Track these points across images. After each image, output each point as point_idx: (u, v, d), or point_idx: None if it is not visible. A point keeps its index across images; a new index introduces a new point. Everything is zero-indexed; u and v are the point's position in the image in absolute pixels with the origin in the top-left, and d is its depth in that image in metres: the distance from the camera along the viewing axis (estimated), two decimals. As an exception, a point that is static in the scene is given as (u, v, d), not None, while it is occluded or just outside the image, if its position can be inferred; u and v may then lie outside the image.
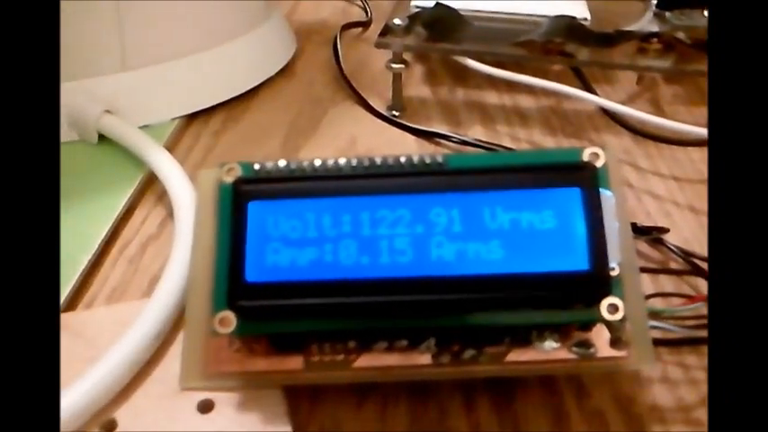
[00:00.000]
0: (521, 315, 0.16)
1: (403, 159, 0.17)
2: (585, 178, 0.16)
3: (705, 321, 0.19)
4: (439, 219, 0.16)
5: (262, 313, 0.15)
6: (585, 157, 0.16)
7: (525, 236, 0.15)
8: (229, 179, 0.16)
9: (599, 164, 0.16)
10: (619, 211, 0.16)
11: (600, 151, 0.16)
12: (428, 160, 0.17)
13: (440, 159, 0.17)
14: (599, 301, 0.15)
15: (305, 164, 0.17)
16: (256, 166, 0.17)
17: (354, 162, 0.17)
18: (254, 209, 0.16)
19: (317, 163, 0.17)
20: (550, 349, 0.16)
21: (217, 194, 0.16)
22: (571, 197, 0.16)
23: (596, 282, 0.15)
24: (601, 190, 0.16)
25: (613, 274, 0.16)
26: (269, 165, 0.17)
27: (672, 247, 0.22)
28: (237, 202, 0.16)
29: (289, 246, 0.16)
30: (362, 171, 0.16)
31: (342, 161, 0.17)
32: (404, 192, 0.16)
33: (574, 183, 0.16)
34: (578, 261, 0.15)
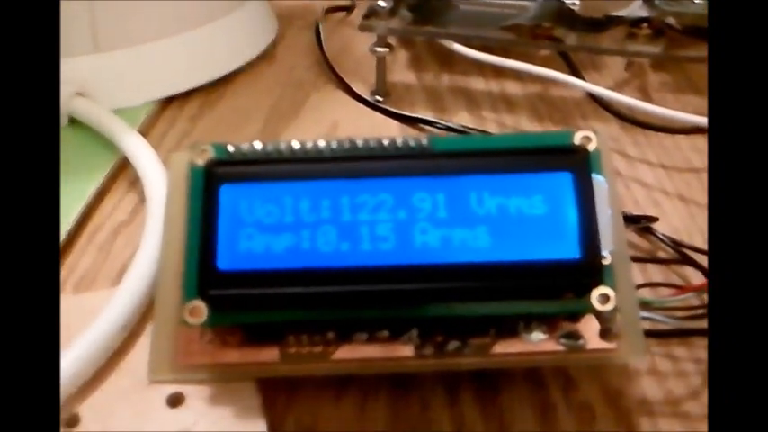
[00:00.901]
0: (508, 305, 0.15)
1: (386, 142, 0.16)
2: (577, 162, 0.15)
3: (695, 312, 0.19)
4: (423, 204, 0.15)
5: (234, 303, 0.15)
6: (577, 140, 0.16)
7: (513, 222, 0.15)
8: (201, 161, 0.16)
9: (591, 148, 0.16)
10: (610, 198, 0.16)
11: (592, 135, 0.16)
12: (412, 143, 0.16)
13: (424, 142, 0.16)
14: (590, 291, 0.15)
15: (282, 146, 0.16)
16: (230, 148, 0.16)
17: (335, 144, 0.16)
18: (227, 192, 0.15)
19: (296, 145, 0.16)
20: (538, 341, 0.16)
21: (188, 178, 0.16)
22: (562, 182, 0.15)
23: (587, 270, 0.15)
24: (593, 175, 0.15)
25: (605, 262, 0.15)
26: (244, 147, 0.16)
27: (661, 237, 0.22)
28: (209, 185, 0.15)
29: (263, 232, 0.15)
30: (343, 154, 0.16)
31: (321, 143, 0.16)
32: (386, 175, 0.15)
33: (565, 167, 0.15)
34: (569, 249, 0.15)
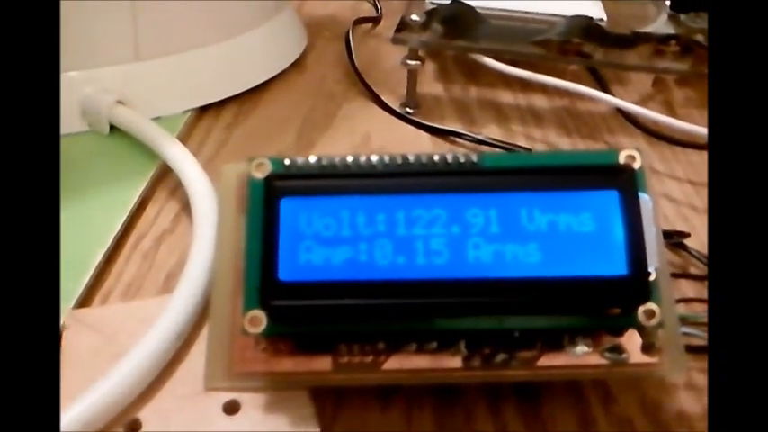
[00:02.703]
0: (556, 319, 0.15)
1: (436, 158, 0.16)
2: (624, 181, 0.16)
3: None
4: (476, 219, 0.15)
5: (294, 313, 0.15)
6: (622, 159, 0.16)
7: (563, 238, 0.15)
8: (260, 175, 0.16)
9: (636, 166, 0.16)
10: (654, 216, 0.16)
11: (636, 154, 0.16)
12: (462, 159, 0.16)
13: (474, 159, 0.16)
14: (637, 307, 0.15)
15: (336, 160, 0.16)
16: (287, 162, 0.16)
17: (387, 159, 0.16)
18: (287, 206, 0.15)
19: (349, 159, 0.16)
20: (582, 354, 0.16)
21: (246, 190, 0.16)
22: (609, 200, 0.15)
23: (635, 287, 0.15)
24: (639, 193, 0.16)
25: (651, 279, 0.15)
26: (299, 160, 0.16)
27: (693, 252, 0.22)
28: (269, 198, 0.15)
29: (322, 244, 0.15)
30: (395, 169, 0.16)
31: (374, 158, 0.16)
32: (439, 191, 0.16)
33: (612, 185, 0.15)
34: (617, 266, 0.15)
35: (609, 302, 0.15)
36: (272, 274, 0.15)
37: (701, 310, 0.20)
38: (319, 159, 0.16)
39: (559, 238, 0.15)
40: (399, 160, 0.16)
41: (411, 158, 0.16)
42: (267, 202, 0.15)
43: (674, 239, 0.23)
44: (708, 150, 0.15)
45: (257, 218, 0.15)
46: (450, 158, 0.16)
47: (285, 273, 0.15)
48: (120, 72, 0.27)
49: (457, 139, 0.28)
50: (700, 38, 0.28)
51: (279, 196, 0.15)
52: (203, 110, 0.29)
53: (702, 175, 0.27)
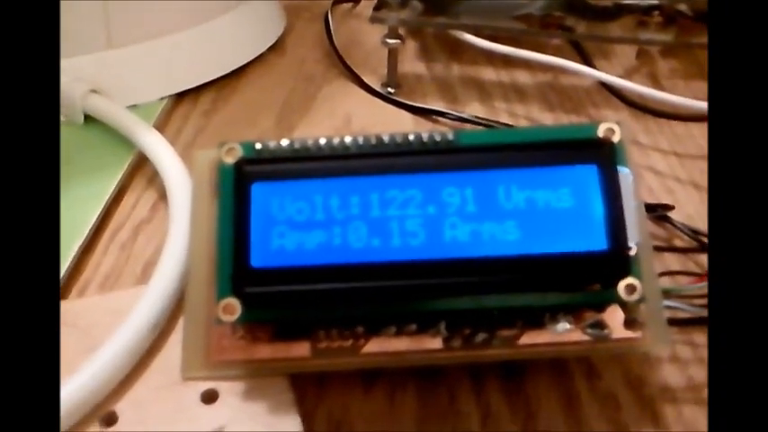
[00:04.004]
0: (536, 297, 0.15)
1: (411, 137, 0.16)
2: (603, 155, 0.15)
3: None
4: (452, 198, 0.15)
5: (268, 300, 0.15)
6: (601, 132, 0.16)
7: (541, 215, 0.15)
8: (230, 160, 0.16)
9: (615, 140, 0.16)
10: (634, 190, 0.16)
11: (615, 127, 0.16)
12: (437, 137, 0.16)
13: (450, 136, 0.16)
14: (617, 282, 0.15)
15: (309, 143, 0.16)
16: (258, 146, 0.16)
17: (361, 140, 0.16)
18: (258, 191, 0.15)
19: (322, 141, 0.16)
20: (563, 331, 0.16)
21: (217, 176, 0.16)
22: (588, 175, 0.15)
23: (615, 262, 0.15)
24: (618, 167, 0.15)
25: (631, 254, 0.15)
26: (271, 144, 0.16)
27: (678, 225, 0.22)
28: (240, 183, 0.15)
29: (295, 229, 0.15)
30: (370, 150, 0.16)
31: (348, 139, 0.16)
32: (414, 171, 0.15)
33: (591, 160, 0.15)
34: (596, 241, 0.15)
35: (589, 278, 0.15)
36: (245, 260, 0.15)
37: (686, 283, 0.20)
38: (292, 142, 0.16)
39: (538, 215, 0.15)
40: (374, 141, 0.16)
41: (386, 139, 0.16)
42: (238, 187, 0.15)
43: (658, 212, 0.22)
44: (708, 124, 0.15)
45: (228, 204, 0.15)
46: (425, 137, 0.16)
47: (258, 259, 0.15)
48: (93, 60, 0.26)
49: (439, 118, 0.28)
50: (683, 8, 0.28)
51: (250, 181, 0.15)
52: (180, 96, 0.29)
53: (687, 146, 0.27)
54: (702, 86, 0.30)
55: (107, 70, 0.26)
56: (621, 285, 0.15)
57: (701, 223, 0.22)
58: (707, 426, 0.13)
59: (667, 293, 0.19)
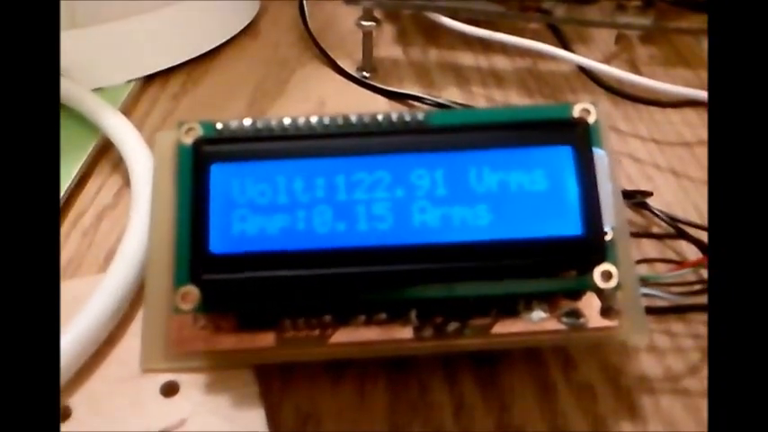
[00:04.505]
0: (510, 284, 0.15)
1: (380, 117, 0.15)
2: (578, 136, 0.15)
3: (692, 288, 0.19)
4: (421, 181, 0.14)
5: (228, 287, 0.14)
6: (576, 113, 0.15)
7: (514, 199, 0.14)
8: (189, 140, 0.15)
9: (591, 120, 0.15)
10: (611, 172, 0.15)
11: (591, 107, 0.15)
12: (407, 118, 0.15)
13: (420, 117, 0.15)
14: (592, 268, 0.14)
15: (273, 122, 0.15)
16: (219, 126, 0.15)
17: (327, 120, 0.15)
18: (218, 172, 0.14)
19: (287, 121, 0.15)
20: (538, 320, 0.15)
21: (175, 157, 0.15)
22: (563, 156, 0.15)
23: (590, 247, 0.14)
24: (594, 149, 0.15)
25: (607, 239, 0.15)
26: (233, 124, 0.15)
27: (657, 212, 0.21)
28: (198, 164, 0.14)
29: (257, 213, 0.14)
30: (336, 130, 0.15)
31: (313, 119, 0.15)
32: (382, 152, 0.15)
33: (566, 140, 0.15)
34: (571, 225, 0.14)
35: (564, 264, 0.15)
36: (204, 246, 0.14)
37: (664, 271, 0.20)
38: (254, 122, 0.15)
39: (510, 199, 0.14)
40: (340, 121, 0.15)
41: (353, 119, 0.15)
42: (196, 168, 0.14)
43: (636, 199, 0.22)
44: (708, 111, 0.14)
45: (187, 186, 0.14)
46: (394, 117, 0.15)
47: (217, 244, 0.14)
48: (57, 40, 0.25)
49: (415, 103, 0.27)
50: (662, -9, 0.28)
51: (208, 162, 0.14)
52: (149, 79, 0.28)
53: (666, 133, 0.26)
54: (681, 72, 0.30)
55: (72, 51, 0.25)
56: (597, 272, 0.15)
57: (680, 210, 0.22)
58: (707, 418, 0.13)
59: (645, 281, 0.18)
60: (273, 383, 0.16)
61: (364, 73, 0.29)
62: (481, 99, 0.28)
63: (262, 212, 0.14)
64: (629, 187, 0.23)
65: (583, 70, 0.28)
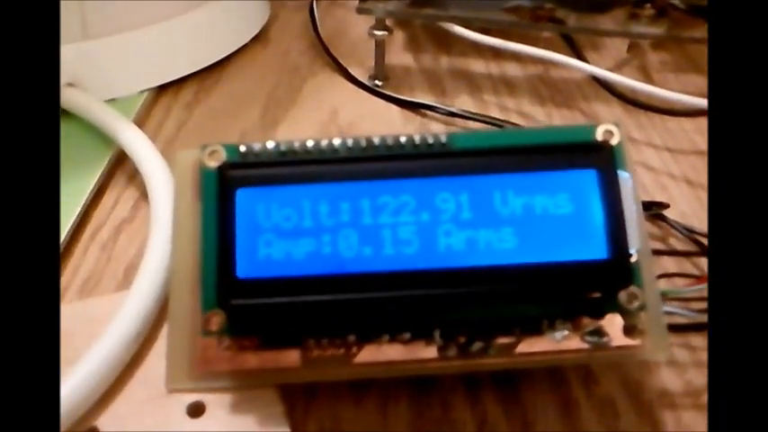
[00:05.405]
0: (534, 307, 0.15)
1: (403, 139, 0.15)
2: (602, 159, 0.15)
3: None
4: (446, 205, 0.14)
5: (255, 312, 0.14)
6: (599, 135, 0.15)
7: (539, 222, 0.14)
8: (213, 163, 0.15)
9: (614, 142, 0.15)
10: (635, 194, 0.15)
11: (614, 128, 0.15)
12: (431, 140, 0.15)
13: (443, 139, 0.15)
14: (618, 292, 0.14)
15: (296, 145, 0.15)
16: (242, 148, 0.15)
17: (350, 142, 0.15)
18: (243, 197, 0.14)
19: (310, 144, 0.15)
20: (562, 339, 0.16)
21: (200, 181, 0.15)
22: (587, 180, 0.15)
23: (616, 271, 0.14)
24: (618, 171, 0.15)
25: (632, 261, 0.15)
26: (256, 146, 0.15)
27: (674, 224, 0.21)
28: (224, 189, 0.14)
29: (282, 237, 0.14)
30: (360, 153, 0.15)
31: (336, 142, 0.15)
32: (407, 176, 0.15)
33: (590, 164, 0.15)
34: (597, 249, 0.14)
35: (589, 288, 0.15)
36: (230, 271, 0.14)
37: (682, 285, 0.20)
38: (278, 145, 0.15)
39: (535, 222, 0.14)
40: (364, 143, 0.15)
41: (376, 141, 0.15)
42: (222, 193, 0.14)
43: (652, 211, 0.22)
44: (708, 122, 0.14)
45: (212, 211, 0.14)
46: (418, 140, 0.15)
47: (244, 269, 0.14)
48: (69, 52, 0.25)
49: (428, 112, 0.27)
50: (675, 0, 0.28)
51: (234, 187, 0.14)
52: (162, 89, 0.28)
53: (680, 141, 0.26)
54: (694, 80, 0.30)
55: (84, 62, 0.25)
56: (623, 294, 0.15)
57: (696, 221, 0.22)
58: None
59: (665, 296, 0.18)
60: (297, 402, 0.16)
61: (376, 81, 0.29)
62: (493, 107, 0.28)
63: (287, 237, 0.14)
64: (645, 197, 0.23)
65: (595, 79, 0.28)
